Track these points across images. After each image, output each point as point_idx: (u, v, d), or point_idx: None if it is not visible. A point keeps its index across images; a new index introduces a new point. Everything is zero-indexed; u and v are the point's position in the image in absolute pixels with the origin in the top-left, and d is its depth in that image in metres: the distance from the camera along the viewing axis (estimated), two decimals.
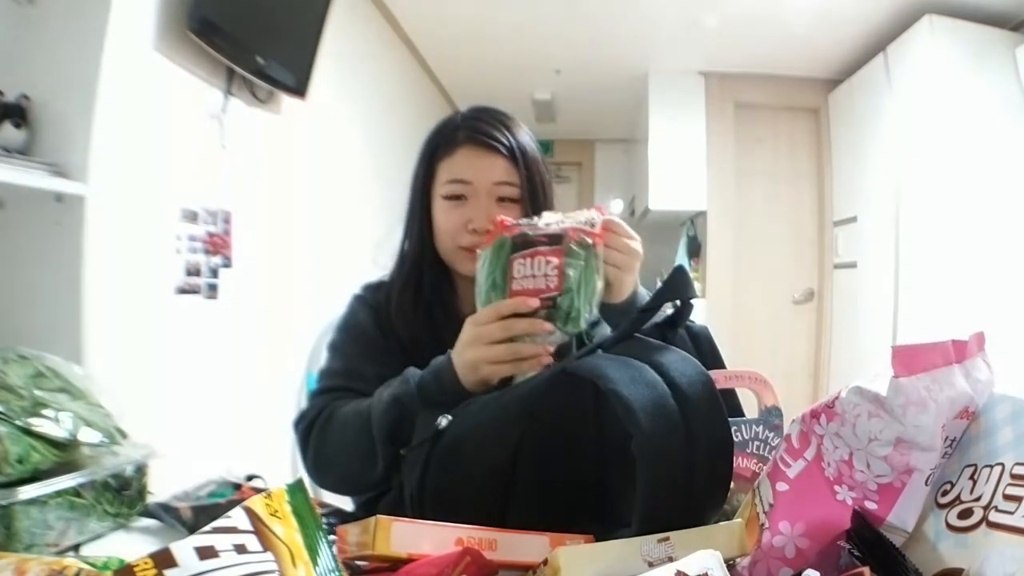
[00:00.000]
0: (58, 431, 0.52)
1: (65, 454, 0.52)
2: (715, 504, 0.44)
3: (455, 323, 0.70)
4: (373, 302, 0.81)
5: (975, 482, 0.38)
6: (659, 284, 0.60)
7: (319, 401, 0.73)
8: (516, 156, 0.75)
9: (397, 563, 0.41)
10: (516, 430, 0.49)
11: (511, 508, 0.47)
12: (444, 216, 0.76)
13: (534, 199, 0.76)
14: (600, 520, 0.44)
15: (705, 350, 0.67)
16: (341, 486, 0.75)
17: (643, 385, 0.42)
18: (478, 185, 0.74)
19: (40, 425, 0.51)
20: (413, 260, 0.80)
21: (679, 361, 0.45)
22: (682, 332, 0.63)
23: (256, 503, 0.35)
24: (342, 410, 0.69)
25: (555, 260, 0.57)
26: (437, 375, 0.61)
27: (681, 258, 3.65)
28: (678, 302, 0.56)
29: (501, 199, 0.75)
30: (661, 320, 0.55)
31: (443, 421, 0.51)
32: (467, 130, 0.76)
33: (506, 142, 0.75)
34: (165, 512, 0.62)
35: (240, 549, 0.33)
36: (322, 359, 0.81)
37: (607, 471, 0.48)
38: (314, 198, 2.18)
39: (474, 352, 0.58)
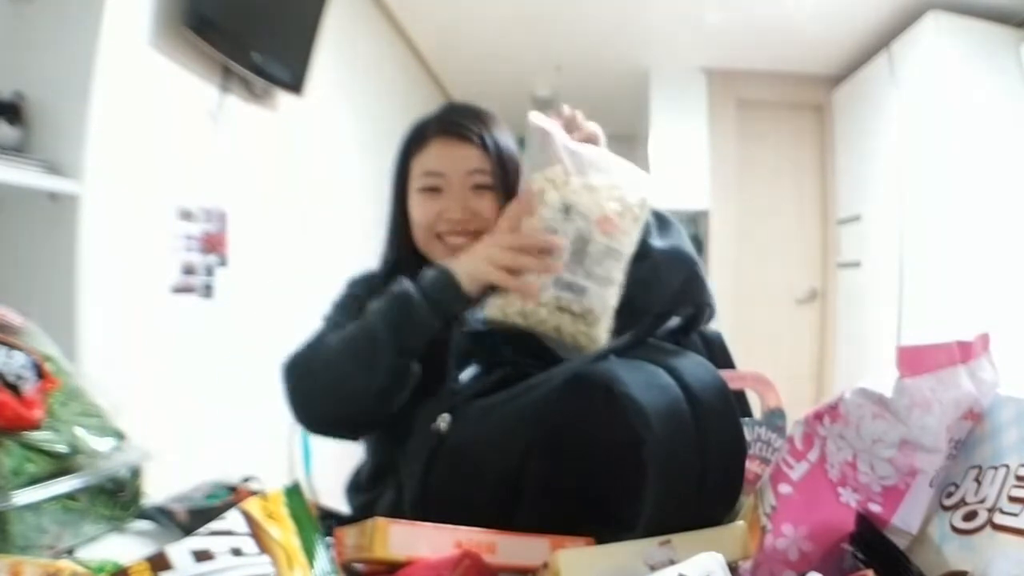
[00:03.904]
0: (56, 445, 0.51)
1: (62, 462, 0.51)
2: (724, 512, 0.43)
3: None
4: (365, 282, 0.82)
5: (980, 484, 0.37)
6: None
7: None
8: (488, 145, 0.74)
9: (395, 566, 0.40)
10: (526, 437, 0.48)
11: (517, 514, 0.47)
12: (419, 210, 0.75)
13: (507, 189, 0.75)
14: (604, 524, 0.44)
15: (718, 356, 0.66)
16: (333, 414, 0.69)
17: (657, 389, 0.42)
18: (451, 176, 0.73)
19: (38, 440, 0.50)
20: (392, 261, 0.79)
21: (694, 366, 0.45)
22: (695, 338, 0.63)
23: (252, 505, 0.35)
24: (330, 336, 0.69)
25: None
26: (438, 276, 0.63)
27: None
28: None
29: (477, 187, 0.74)
30: (675, 326, 0.54)
31: (442, 424, 0.51)
32: (439, 123, 0.76)
33: (477, 131, 0.74)
34: (160, 514, 0.61)
35: (236, 552, 0.33)
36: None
37: (612, 473, 0.47)
38: (311, 195, 2.17)
39: (478, 269, 0.61)
